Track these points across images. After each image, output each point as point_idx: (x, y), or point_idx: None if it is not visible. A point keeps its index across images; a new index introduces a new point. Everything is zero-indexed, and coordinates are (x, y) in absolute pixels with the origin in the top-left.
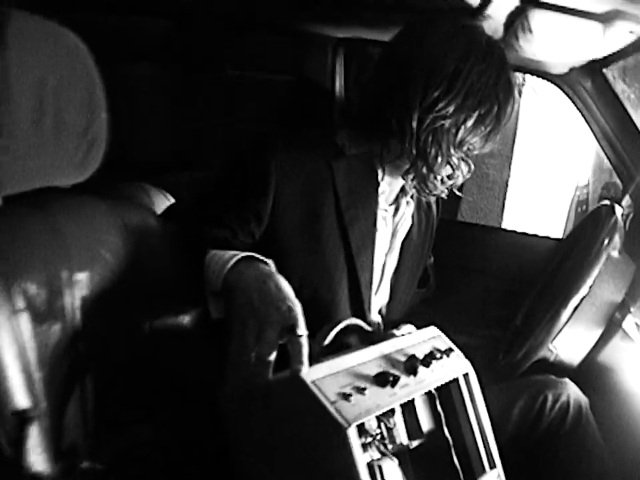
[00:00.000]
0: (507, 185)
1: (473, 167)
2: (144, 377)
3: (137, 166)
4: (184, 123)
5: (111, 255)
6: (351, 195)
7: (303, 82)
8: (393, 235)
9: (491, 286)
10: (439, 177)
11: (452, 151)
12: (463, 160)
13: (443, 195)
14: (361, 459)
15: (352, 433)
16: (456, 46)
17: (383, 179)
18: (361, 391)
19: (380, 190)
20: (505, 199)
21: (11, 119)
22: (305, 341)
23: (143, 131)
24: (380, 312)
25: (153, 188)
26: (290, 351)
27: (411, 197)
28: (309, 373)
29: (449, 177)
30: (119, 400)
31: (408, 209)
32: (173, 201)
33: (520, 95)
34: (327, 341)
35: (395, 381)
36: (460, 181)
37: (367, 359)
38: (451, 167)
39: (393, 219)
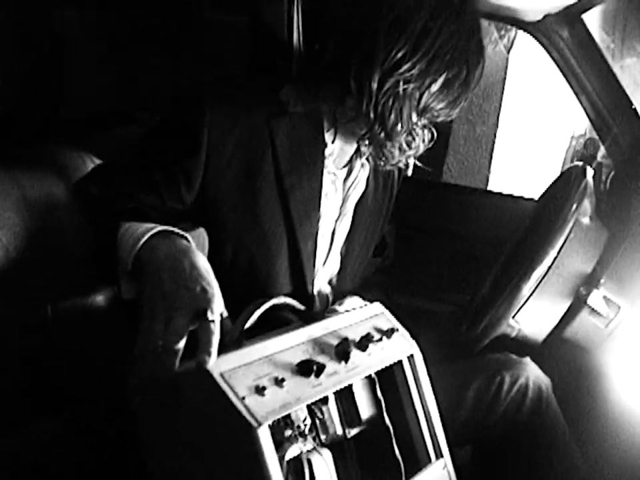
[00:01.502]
0: (494, 138)
1: (435, 134)
2: (47, 364)
3: (74, 124)
4: (127, 72)
5: (4, 233)
6: (292, 158)
7: (256, 25)
8: (344, 200)
9: (464, 250)
10: (397, 145)
11: (414, 117)
12: (425, 127)
13: (401, 165)
14: (273, 461)
15: (263, 432)
16: (426, 2)
17: (333, 141)
18: (279, 382)
19: (327, 152)
20: (492, 152)
21: None
22: (216, 328)
23: (83, 84)
24: (330, 282)
25: (85, 154)
26: (199, 338)
27: (367, 159)
28: (219, 364)
29: (408, 146)
30: (16, 395)
31: (363, 172)
32: None
33: (511, 43)
34: (248, 324)
35: (319, 370)
36: (421, 149)
37: (291, 344)
38: (412, 134)
39: (344, 184)
